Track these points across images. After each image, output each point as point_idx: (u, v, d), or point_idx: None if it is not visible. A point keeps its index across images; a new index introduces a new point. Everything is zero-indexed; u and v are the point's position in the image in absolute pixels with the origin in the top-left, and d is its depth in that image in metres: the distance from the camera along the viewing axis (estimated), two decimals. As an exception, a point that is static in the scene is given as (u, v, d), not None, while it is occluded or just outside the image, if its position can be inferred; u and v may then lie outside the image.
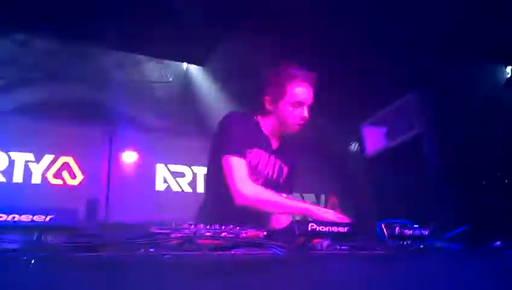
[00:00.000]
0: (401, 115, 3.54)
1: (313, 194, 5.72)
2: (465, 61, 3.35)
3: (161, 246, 1.05)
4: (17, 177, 3.95)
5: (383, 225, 1.31)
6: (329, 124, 3.87)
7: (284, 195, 2.18)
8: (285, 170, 2.14)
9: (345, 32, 3.54)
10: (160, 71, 4.79)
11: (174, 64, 4.91)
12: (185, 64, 4.91)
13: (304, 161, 2.29)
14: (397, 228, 1.32)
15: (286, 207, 1.88)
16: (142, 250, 1.01)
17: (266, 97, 2.03)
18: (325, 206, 5.92)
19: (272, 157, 2.08)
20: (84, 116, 4.34)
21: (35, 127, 4.14)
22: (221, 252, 1.07)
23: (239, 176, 1.87)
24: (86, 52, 4.12)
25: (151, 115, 4.62)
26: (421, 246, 1.28)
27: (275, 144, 2.11)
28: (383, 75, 3.63)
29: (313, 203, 2.35)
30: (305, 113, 1.98)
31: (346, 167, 5.19)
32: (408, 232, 1.33)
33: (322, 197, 5.84)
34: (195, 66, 4.80)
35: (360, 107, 3.95)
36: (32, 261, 0.79)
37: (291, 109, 1.97)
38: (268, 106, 2.04)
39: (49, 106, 4.20)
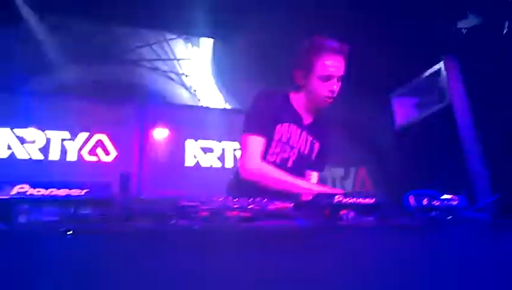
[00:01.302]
0: (431, 86, 3.45)
1: (342, 168, 5.70)
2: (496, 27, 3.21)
3: (190, 218, 1.09)
4: (54, 154, 4.12)
5: (410, 197, 1.30)
6: (357, 96, 3.81)
7: (315, 173, 2.22)
8: (317, 146, 2.13)
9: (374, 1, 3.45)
10: (187, 47, 4.80)
11: (202, 40, 4.89)
12: (210, 40, 4.87)
13: (332, 135, 2.27)
14: (425, 200, 1.31)
15: (291, 185, 1.86)
16: (173, 222, 1.06)
17: (296, 72, 2.02)
18: (355, 180, 5.90)
19: (304, 132, 2.08)
20: (117, 95, 4.44)
21: (69, 106, 4.27)
22: (248, 224, 1.10)
23: (249, 152, 1.92)
24: (117, 33, 4.18)
25: (180, 91, 4.67)
26: (449, 217, 1.26)
27: (307, 119, 2.10)
28: (413, 45, 3.53)
29: (323, 185, 2.31)
30: (334, 87, 1.95)
31: (376, 140, 5.12)
32: (436, 203, 1.32)
33: (352, 170, 5.81)
34: (222, 41, 4.77)
35: (390, 78, 3.87)
36: (69, 233, 0.83)
37: (320, 82, 1.95)
38: (298, 81, 2.02)
39: (83, 85, 4.32)
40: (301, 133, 2.07)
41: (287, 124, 2.02)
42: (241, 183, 1.96)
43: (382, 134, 4.54)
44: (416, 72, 3.65)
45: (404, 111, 3.75)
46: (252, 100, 2.04)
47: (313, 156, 2.13)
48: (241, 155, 1.97)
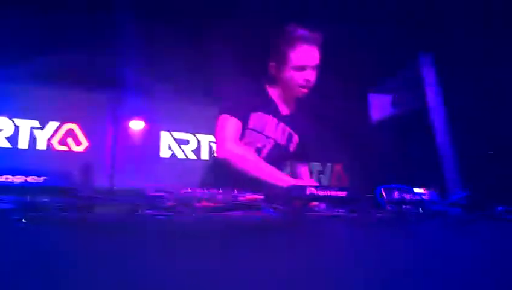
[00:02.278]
0: (408, 83, 3.48)
1: (318, 163, 5.73)
2: (475, 28, 3.26)
3: (157, 208, 1.05)
4: (23, 143, 3.99)
5: (382, 190, 1.30)
6: (334, 91, 3.82)
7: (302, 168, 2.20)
8: (295, 138, 2.11)
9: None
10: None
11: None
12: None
13: (314, 128, 2.26)
14: (396, 193, 1.31)
15: (265, 173, 1.81)
16: (139, 212, 1.02)
17: (271, 63, 2.00)
18: (331, 175, 5.95)
19: (281, 123, 2.05)
20: (89, 83, 4.32)
21: (39, 94, 4.14)
22: (216, 214, 1.07)
23: (226, 133, 1.88)
24: (90, 20, 4.06)
25: (157, 81, 4.58)
26: (420, 210, 1.26)
27: (284, 110, 2.08)
28: (391, 41, 3.55)
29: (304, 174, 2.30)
30: (309, 76, 1.93)
31: (352, 136, 5.16)
32: (407, 196, 1.32)
33: (328, 165, 5.85)
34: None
35: (367, 74, 3.89)
36: (24, 221, 0.79)
37: (295, 73, 1.93)
38: (273, 72, 2.00)
39: (54, 73, 4.18)
40: (278, 123, 2.04)
41: (261, 113, 2.00)
42: (216, 166, 1.92)
43: (358, 130, 4.58)
44: (392, 69, 3.68)
45: (380, 107, 3.79)
46: (230, 88, 2.04)
47: (291, 147, 2.11)
48: (218, 135, 1.91)
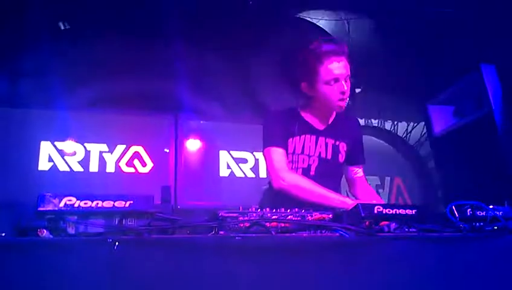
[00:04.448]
0: (468, 92, 3.35)
1: (377, 177, 5.59)
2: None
3: (230, 228, 1.10)
4: (93, 166, 4.25)
5: (453, 207, 1.27)
6: (393, 105, 3.76)
7: (359, 170, 2.20)
8: (343, 146, 2.11)
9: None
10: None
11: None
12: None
13: (359, 130, 2.25)
14: (469, 210, 1.27)
15: (322, 197, 1.84)
16: (213, 232, 1.07)
17: (302, 84, 2.02)
18: (390, 190, 5.78)
19: (321, 137, 2.07)
20: (151, 107, 4.54)
21: (106, 119, 4.40)
22: (288, 235, 1.09)
23: (276, 164, 1.96)
24: (149, 45, 4.27)
25: (213, 103, 4.72)
26: (495, 227, 1.22)
27: (321, 126, 2.09)
28: (447, 51, 3.44)
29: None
30: (344, 88, 1.93)
31: (412, 148, 5.02)
32: (480, 213, 1.28)
33: (387, 179, 5.68)
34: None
35: (425, 85, 3.79)
36: (117, 244, 0.86)
37: (328, 87, 1.93)
38: (306, 91, 2.02)
39: (118, 98, 4.43)
40: (317, 139, 2.06)
41: (297, 136, 2.04)
42: (274, 193, 1.97)
43: (418, 142, 4.45)
44: (452, 79, 3.56)
45: (441, 119, 3.66)
46: (264, 119, 2.11)
47: (340, 158, 2.10)
48: (270, 168, 2.01)
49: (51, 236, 0.90)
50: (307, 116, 2.09)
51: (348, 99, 1.99)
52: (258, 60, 4.04)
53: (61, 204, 0.99)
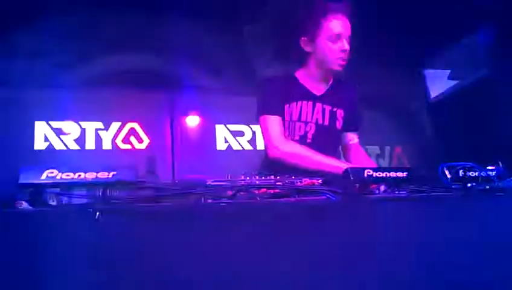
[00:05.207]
0: (464, 56, 3.31)
1: (377, 147, 5.58)
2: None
3: (217, 196, 1.08)
4: (90, 144, 4.25)
5: (444, 168, 1.25)
6: (389, 71, 3.70)
7: (354, 136, 2.17)
8: (340, 112, 2.09)
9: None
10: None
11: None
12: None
13: (365, 112, 2.22)
14: (461, 171, 1.26)
15: (319, 164, 1.82)
16: (202, 201, 1.06)
17: (302, 38, 1.96)
18: (391, 159, 5.77)
19: (318, 103, 2.04)
20: (146, 83, 4.49)
21: (100, 97, 4.36)
22: (276, 199, 1.08)
23: (271, 132, 1.95)
24: (143, 22, 4.19)
25: (208, 77, 4.66)
26: (487, 187, 1.21)
27: (319, 91, 2.06)
28: (442, 14, 3.37)
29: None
30: (345, 46, 1.90)
31: (410, 115, 4.97)
32: (473, 174, 1.26)
33: (387, 148, 5.67)
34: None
35: (421, 49, 3.73)
36: (98, 213, 0.85)
37: (330, 43, 1.90)
38: (306, 47, 1.98)
39: (113, 75, 4.37)
40: (314, 105, 2.04)
41: (294, 102, 2.01)
42: (270, 162, 1.96)
43: (416, 108, 4.41)
44: (448, 43, 3.50)
45: (437, 83, 3.63)
46: (260, 85, 2.07)
47: (338, 124, 2.09)
48: (265, 136, 1.99)
49: (31, 208, 0.89)
50: (304, 80, 2.05)
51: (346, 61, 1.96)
52: (256, 16, 3.95)
53: (43, 176, 0.97)
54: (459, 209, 1.08)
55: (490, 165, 1.32)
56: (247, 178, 1.21)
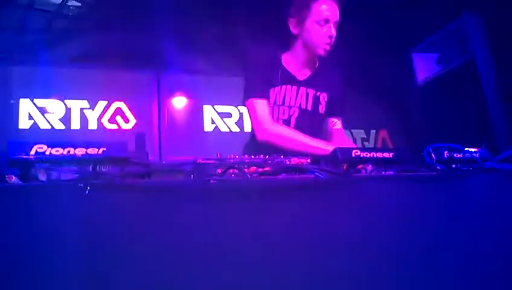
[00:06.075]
0: (452, 39, 3.33)
1: (362, 130, 5.62)
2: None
3: (206, 174, 1.09)
4: (75, 124, 4.19)
5: (430, 149, 1.27)
6: (376, 55, 3.70)
7: (337, 121, 2.18)
8: (324, 96, 2.10)
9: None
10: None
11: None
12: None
13: (350, 96, 2.22)
14: (446, 152, 1.28)
15: (306, 146, 1.83)
16: (191, 177, 1.06)
17: (291, 19, 1.98)
18: (375, 142, 5.83)
19: (302, 88, 2.06)
20: (133, 63, 4.43)
21: (86, 75, 4.29)
22: (264, 177, 1.10)
23: (259, 115, 1.95)
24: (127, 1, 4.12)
25: (196, 57, 4.62)
26: (471, 168, 1.24)
27: (302, 76, 2.07)
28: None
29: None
30: (332, 31, 1.91)
31: (396, 99, 5.01)
32: (457, 155, 1.29)
33: (372, 132, 5.72)
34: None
35: (407, 33, 3.73)
36: (88, 188, 0.85)
37: (317, 27, 1.91)
38: (293, 30, 1.99)
39: (99, 54, 4.31)
40: (298, 89, 2.05)
41: (278, 87, 2.02)
42: (257, 145, 1.97)
43: (403, 92, 4.44)
44: (436, 26, 3.51)
45: (425, 67, 3.65)
46: (245, 69, 2.07)
47: (320, 109, 2.10)
48: (253, 119, 2.00)
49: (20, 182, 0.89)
50: (289, 64, 2.06)
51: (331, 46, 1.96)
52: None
53: (32, 151, 0.97)
54: (443, 188, 1.10)
55: (474, 147, 1.35)
56: (237, 156, 1.22)
